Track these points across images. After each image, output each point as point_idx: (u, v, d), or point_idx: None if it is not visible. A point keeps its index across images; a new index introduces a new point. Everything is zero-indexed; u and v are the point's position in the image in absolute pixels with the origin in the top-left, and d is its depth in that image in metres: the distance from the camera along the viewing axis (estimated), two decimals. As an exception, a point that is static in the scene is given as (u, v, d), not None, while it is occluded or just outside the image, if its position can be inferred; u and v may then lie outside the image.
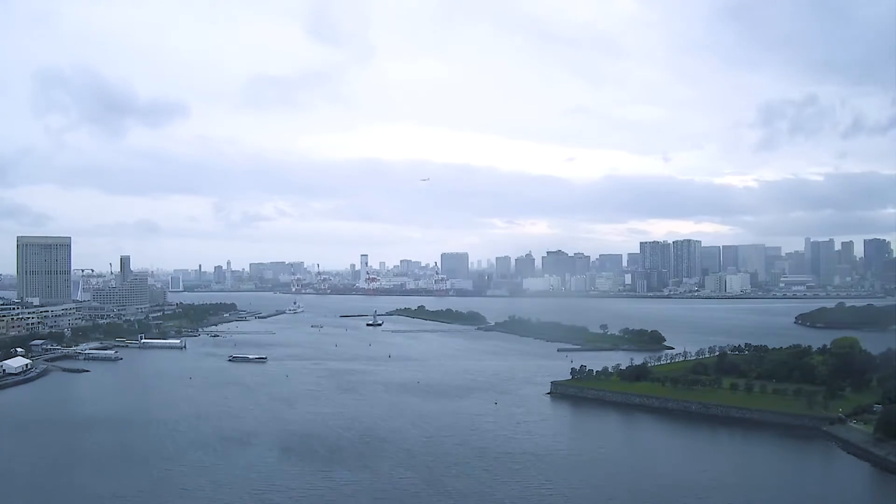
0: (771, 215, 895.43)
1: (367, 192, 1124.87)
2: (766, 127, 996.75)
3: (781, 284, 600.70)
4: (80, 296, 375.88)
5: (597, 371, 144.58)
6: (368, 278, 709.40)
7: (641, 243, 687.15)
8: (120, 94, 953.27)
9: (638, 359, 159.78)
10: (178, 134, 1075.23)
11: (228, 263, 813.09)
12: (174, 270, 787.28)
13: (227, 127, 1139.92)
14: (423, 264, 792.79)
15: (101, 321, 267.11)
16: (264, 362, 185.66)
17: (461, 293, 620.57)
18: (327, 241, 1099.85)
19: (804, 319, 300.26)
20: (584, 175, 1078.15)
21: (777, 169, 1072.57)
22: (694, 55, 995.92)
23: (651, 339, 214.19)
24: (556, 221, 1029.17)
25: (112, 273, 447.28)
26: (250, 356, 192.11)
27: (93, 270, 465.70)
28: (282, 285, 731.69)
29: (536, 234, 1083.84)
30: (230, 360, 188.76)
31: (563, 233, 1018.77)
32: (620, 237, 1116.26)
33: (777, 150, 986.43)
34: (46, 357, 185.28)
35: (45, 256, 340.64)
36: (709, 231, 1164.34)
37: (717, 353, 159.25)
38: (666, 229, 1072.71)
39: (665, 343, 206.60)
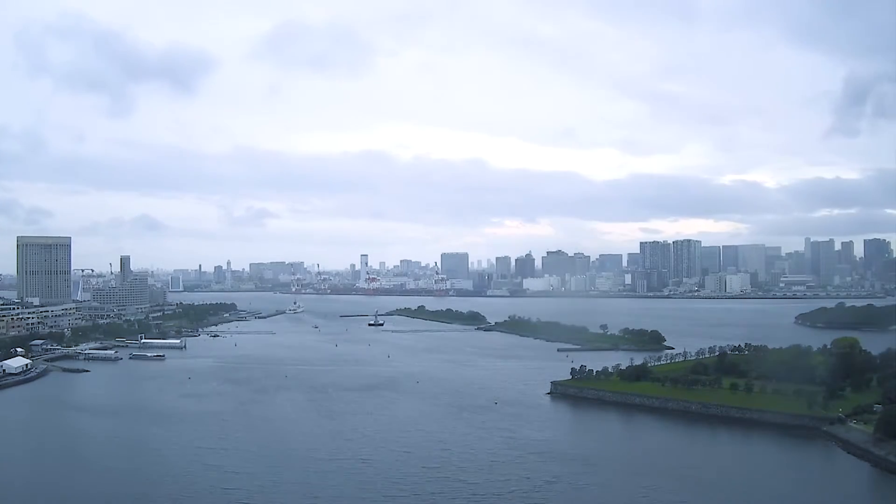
0: (796, 214, 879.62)
1: (367, 189, 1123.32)
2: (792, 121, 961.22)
3: (781, 284, 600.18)
4: (80, 296, 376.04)
5: (597, 371, 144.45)
6: (368, 278, 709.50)
7: (642, 243, 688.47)
8: (121, 50, 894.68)
9: (638, 359, 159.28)
10: (169, 125, 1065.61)
11: (228, 263, 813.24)
12: (174, 270, 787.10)
13: (223, 117, 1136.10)
14: (423, 264, 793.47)
15: (101, 321, 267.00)
16: (163, 360, 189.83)
17: (461, 293, 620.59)
18: (327, 241, 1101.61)
19: (804, 319, 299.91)
20: (604, 172, 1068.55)
21: (810, 167, 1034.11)
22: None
23: (651, 339, 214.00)
24: (569, 221, 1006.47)
25: (112, 273, 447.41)
26: (148, 354, 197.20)
27: (93, 270, 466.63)
28: (282, 285, 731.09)
29: (539, 234, 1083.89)
30: (131, 358, 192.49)
31: (568, 233, 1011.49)
32: (634, 236, 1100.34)
33: (805, 150, 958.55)
34: (46, 357, 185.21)
35: (45, 256, 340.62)
36: (726, 230, 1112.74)
37: (717, 353, 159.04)
38: (694, 228, 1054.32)
39: (665, 343, 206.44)
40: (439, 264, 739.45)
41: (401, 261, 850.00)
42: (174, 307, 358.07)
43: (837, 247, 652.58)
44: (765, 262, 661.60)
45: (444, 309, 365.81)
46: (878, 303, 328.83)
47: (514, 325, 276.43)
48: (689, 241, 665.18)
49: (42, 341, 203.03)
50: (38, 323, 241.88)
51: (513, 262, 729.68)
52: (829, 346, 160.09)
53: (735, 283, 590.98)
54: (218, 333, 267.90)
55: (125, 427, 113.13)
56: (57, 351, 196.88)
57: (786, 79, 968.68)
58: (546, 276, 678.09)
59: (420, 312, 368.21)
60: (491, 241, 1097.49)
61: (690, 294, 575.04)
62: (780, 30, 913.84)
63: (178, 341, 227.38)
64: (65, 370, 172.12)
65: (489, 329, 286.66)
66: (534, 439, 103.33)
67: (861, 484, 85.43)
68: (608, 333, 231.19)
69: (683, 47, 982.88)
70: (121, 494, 78.74)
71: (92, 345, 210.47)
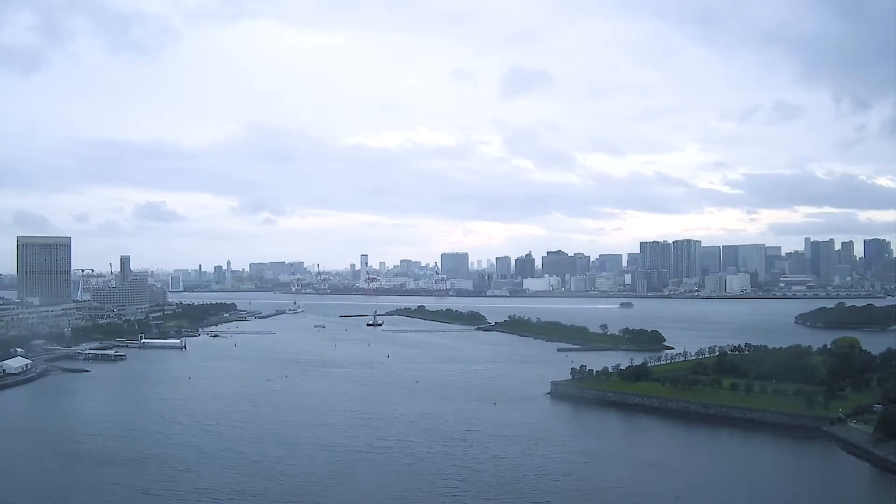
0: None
1: (367, 188, 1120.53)
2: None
3: (781, 284, 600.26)
4: (80, 296, 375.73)
5: (597, 371, 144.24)
6: (368, 278, 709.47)
7: (642, 243, 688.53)
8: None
9: (638, 359, 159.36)
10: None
11: (228, 263, 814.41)
12: (174, 270, 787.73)
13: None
14: (423, 264, 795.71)
15: (101, 321, 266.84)
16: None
17: (461, 293, 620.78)
18: (327, 241, 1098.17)
19: (804, 319, 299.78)
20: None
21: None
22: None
23: (651, 339, 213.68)
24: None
25: (112, 273, 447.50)
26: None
27: (93, 270, 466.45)
28: (282, 285, 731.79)
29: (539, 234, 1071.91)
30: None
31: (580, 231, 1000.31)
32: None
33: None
34: (46, 357, 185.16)
35: (45, 256, 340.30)
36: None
37: (717, 353, 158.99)
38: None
39: (665, 343, 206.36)
40: (439, 264, 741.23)
41: (401, 261, 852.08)
42: (174, 307, 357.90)
43: (837, 247, 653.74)
44: (765, 262, 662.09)
45: (443, 309, 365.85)
46: (878, 303, 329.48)
47: (514, 325, 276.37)
48: (688, 241, 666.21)
49: (42, 341, 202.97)
50: (38, 323, 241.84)
51: (513, 262, 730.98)
52: (829, 346, 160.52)
53: (735, 283, 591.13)
54: (218, 333, 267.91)
55: (126, 426, 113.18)
56: (57, 351, 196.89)
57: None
58: (546, 276, 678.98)
59: (420, 312, 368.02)
60: (492, 240, 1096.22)
61: (690, 294, 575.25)
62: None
63: (179, 341, 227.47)
64: (65, 370, 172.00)
65: (489, 329, 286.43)
66: (533, 439, 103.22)
67: (861, 484, 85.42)
68: (608, 333, 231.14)
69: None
70: (122, 494, 78.84)
71: (92, 345, 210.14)
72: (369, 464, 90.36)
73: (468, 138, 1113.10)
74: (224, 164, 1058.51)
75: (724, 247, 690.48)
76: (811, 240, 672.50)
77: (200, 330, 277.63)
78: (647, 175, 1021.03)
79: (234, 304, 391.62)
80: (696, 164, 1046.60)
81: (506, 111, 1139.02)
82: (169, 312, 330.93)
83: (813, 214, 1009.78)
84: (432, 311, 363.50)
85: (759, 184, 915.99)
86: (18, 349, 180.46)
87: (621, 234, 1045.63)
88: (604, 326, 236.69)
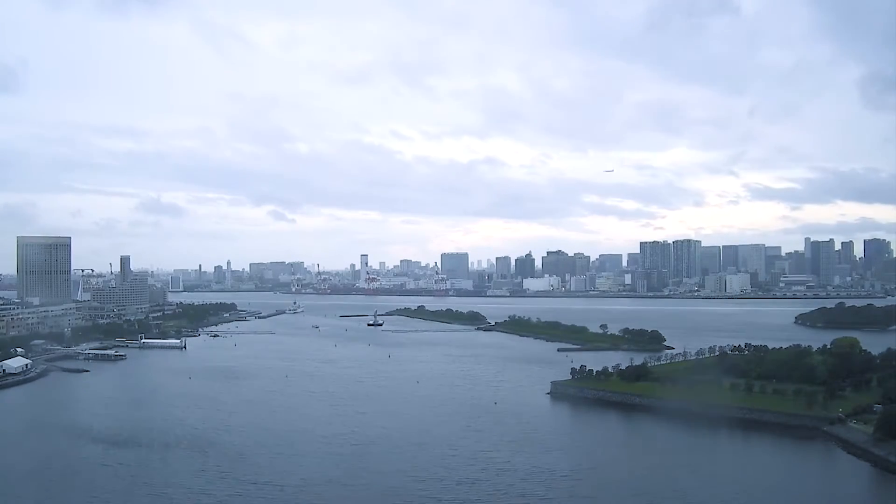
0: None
1: (369, 185, 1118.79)
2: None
3: (781, 284, 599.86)
4: (80, 296, 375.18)
5: (597, 371, 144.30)
6: (368, 278, 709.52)
7: (641, 243, 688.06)
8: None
9: (638, 359, 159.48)
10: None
11: (228, 263, 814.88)
12: (174, 270, 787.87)
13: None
14: (423, 264, 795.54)
15: (101, 321, 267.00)
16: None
17: (461, 293, 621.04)
18: (327, 241, 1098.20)
19: (804, 319, 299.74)
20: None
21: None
22: None
23: (651, 339, 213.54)
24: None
25: (112, 273, 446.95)
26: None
27: (93, 270, 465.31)
28: (282, 285, 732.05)
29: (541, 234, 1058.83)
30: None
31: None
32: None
33: None
34: (46, 357, 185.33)
35: (45, 256, 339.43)
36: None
37: (717, 353, 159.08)
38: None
39: (665, 343, 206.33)
40: (439, 264, 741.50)
41: (401, 261, 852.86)
42: (174, 307, 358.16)
43: (837, 247, 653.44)
44: (765, 262, 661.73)
45: (443, 309, 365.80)
46: (878, 303, 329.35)
47: (514, 325, 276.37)
48: (688, 241, 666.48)
49: (42, 341, 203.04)
50: (38, 323, 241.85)
51: (513, 262, 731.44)
52: (829, 346, 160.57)
53: (735, 283, 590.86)
54: (218, 333, 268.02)
55: (125, 426, 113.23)
56: (57, 351, 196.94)
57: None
58: (546, 276, 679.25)
59: (420, 312, 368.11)
60: (492, 240, 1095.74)
61: (690, 294, 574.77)
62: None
63: (178, 341, 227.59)
64: (65, 370, 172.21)
65: (489, 329, 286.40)
66: (533, 439, 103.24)
67: (861, 484, 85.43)
68: (608, 333, 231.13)
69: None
70: (125, 495, 78.81)
71: (92, 345, 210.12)
72: (361, 466, 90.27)
73: (496, 109, 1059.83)
74: (220, 155, 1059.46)
75: (724, 247, 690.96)
76: (811, 240, 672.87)
77: (200, 330, 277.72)
78: (687, 165, 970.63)
79: (233, 304, 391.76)
80: (751, 155, 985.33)
81: (555, 70, 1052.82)
82: (169, 312, 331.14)
83: (848, 213, 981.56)
84: (432, 312, 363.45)
85: (814, 177, 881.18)
86: (18, 349, 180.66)
87: (625, 233, 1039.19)
88: (604, 326, 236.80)
